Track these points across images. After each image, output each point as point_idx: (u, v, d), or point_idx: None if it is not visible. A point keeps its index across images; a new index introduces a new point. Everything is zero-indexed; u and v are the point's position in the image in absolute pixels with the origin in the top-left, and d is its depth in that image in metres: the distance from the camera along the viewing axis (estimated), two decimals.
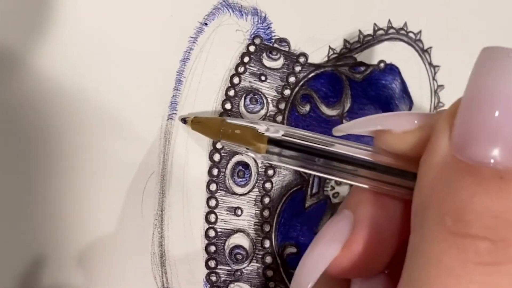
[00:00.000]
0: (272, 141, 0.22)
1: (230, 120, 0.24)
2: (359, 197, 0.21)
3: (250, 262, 0.28)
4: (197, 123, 0.25)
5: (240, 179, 0.28)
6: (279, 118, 0.29)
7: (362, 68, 0.32)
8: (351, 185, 0.23)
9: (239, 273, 0.28)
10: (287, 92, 0.29)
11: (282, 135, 0.22)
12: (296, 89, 0.29)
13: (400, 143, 0.19)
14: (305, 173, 0.29)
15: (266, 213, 0.28)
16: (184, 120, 0.25)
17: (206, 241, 0.27)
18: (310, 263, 0.20)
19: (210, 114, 0.27)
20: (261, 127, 0.23)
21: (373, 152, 0.21)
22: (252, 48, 0.28)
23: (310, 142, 0.22)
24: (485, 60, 0.16)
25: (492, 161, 0.16)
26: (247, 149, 0.23)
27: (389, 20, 0.32)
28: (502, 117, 0.16)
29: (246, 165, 0.28)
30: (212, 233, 0.27)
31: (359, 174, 0.21)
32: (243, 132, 0.23)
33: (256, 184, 0.28)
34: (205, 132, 0.25)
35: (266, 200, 0.28)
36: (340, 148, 0.21)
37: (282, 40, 0.29)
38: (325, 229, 0.21)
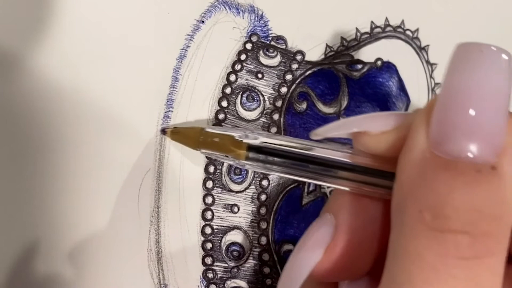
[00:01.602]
0: (252, 148, 0.23)
1: (209, 129, 0.24)
2: (340, 200, 0.21)
3: (247, 259, 0.28)
4: (176, 133, 0.25)
5: (237, 176, 0.28)
6: (276, 116, 0.29)
7: (359, 66, 0.32)
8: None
9: (235, 270, 0.28)
10: (284, 89, 0.29)
11: (261, 141, 0.23)
12: (293, 87, 0.29)
13: (378, 144, 0.19)
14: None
15: (263, 210, 0.29)
16: (163, 131, 0.26)
17: (203, 238, 0.27)
18: (293, 269, 0.21)
19: (207, 113, 0.27)
20: (239, 134, 0.23)
21: (352, 154, 0.21)
22: (249, 46, 0.28)
23: (289, 147, 0.22)
24: (459, 56, 0.17)
25: (469, 155, 0.16)
26: (227, 156, 0.23)
27: (386, 18, 0.32)
28: (477, 111, 0.16)
29: None
30: (208, 230, 0.27)
31: (339, 176, 0.21)
32: (221, 140, 0.24)
33: (253, 182, 0.28)
34: (184, 142, 0.25)
35: (263, 197, 0.28)
36: (319, 152, 0.21)
37: (279, 38, 0.29)
38: (307, 234, 0.21)
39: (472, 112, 0.16)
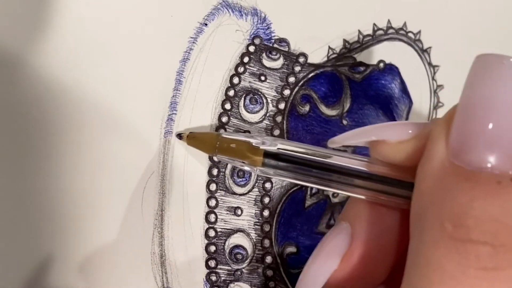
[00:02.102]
0: (268, 154, 0.23)
1: (225, 135, 0.24)
2: (356, 209, 0.21)
3: (250, 262, 0.28)
4: (192, 138, 0.25)
5: (240, 179, 0.28)
6: (279, 118, 0.29)
7: (362, 68, 0.32)
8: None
9: (239, 272, 0.28)
10: (286, 92, 0.29)
11: (278, 148, 0.22)
12: (296, 89, 0.29)
13: (395, 153, 0.19)
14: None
15: (266, 213, 0.29)
16: (179, 136, 0.26)
17: (206, 241, 0.27)
18: (309, 278, 0.21)
19: (210, 116, 0.27)
20: (257, 141, 0.23)
21: (369, 163, 0.21)
22: (251, 48, 0.28)
23: (306, 154, 0.22)
24: (480, 67, 0.17)
25: (489, 166, 0.16)
26: (243, 163, 0.23)
27: (389, 20, 0.32)
28: (499, 123, 0.16)
29: None
30: (212, 233, 0.27)
31: (356, 185, 0.21)
32: (238, 146, 0.24)
33: (256, 184, 0.28)
34: (201, 147, 0.25)
35: (266, 200, 0.28)
36: (336, 160, 0.21)
37: (281, 40, 0.29)
38: (323, 242, 0.21)
39: (493, 123, 0.16)
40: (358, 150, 0.31)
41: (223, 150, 0.24)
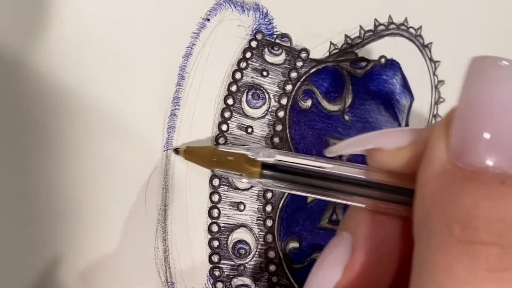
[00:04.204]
0: (266, 166, 0.23)
1: (222, 148, 0.24)
2: (356, 218, 0.21)
3: (253, 256, 0.28)
4: (189, 153, 0.25)
5: None
6: (281, 113, 0.29)
7: (363, 64, 0.32)
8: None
9: (242, 267, 0.28)
10: (289, 87, 0.29)
11: (276, 159, 0.22)
12: (298, 85, 0.29)
13: (393, 160, 0.19)
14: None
15: (268, 208, 0.29)
16: (176, 151, 0.26)
17: (209, 236, 0.27)
18: None
19: (213, 111, 0.27)
20: (253, 153, 0.23)
21: (367, 171, 0.21)
22: (254, 44, 0.28)
23: (304, 164, 0.22)
24: (477, 68, 0.17)
25: (491, 166, 0.16)
26: (241, 175, 0.23)
27: (390, 16, 0.32)
28: (498, 123, 0.16)
29: None
30: (215, 228, 0.27)
31: (355, 193, 0.21)
32: (235, 159, 0.24)
33: None
34: (198, 162, 0.25)
35: (269, 195, 0.29)
36: (335, 169, 0.21)
37: (283, 36, 0.29)
38: (325, 253, 0.21)
39: (492, 124, 0.16)
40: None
41: (221, 163, 0.24)
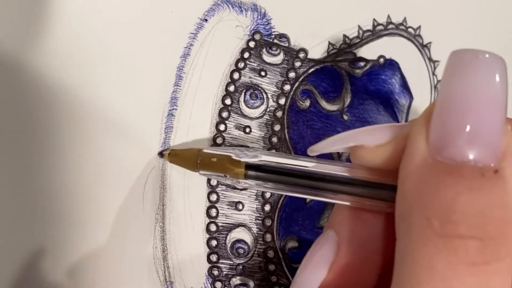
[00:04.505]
0: (250, 166, 0.23)
1: (206, 150, 0.25)
2: (341, 216, 0.21)
3: (252, 256, 0.28)
4: (174, 155, 0.26)
5: None
6: (279, 113, 0.29)
7: (362, 64, 0.32)
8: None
9: (241, 267, 0.28)
10: (287, 87, 0.29)
11: (259, 160, 0.23)
12: (296, 85, 0.30)
13: (375, 157, 0.19)
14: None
15: (267, 207, 0.29)
16: (161, 154, 0.26)
17: (208, 235, 0.27)
18: None
19: (211, 111, 0.27)
20: (237, 153, 0.23)
21: (350, 168, 0.21)
22: (252, 44, 0.28)
23: (288, 164, 0.22)
24: (456, 62, 0.17)
25: (471, 159, 0.16)
26: (225, 176, 0.24)
27: (388, 16, 0.32)
28: (477, 117, 0.16)
29: None
30: (213, 228, 0.27)
31: (339, 191, 0.21)
32: (219, 160, 0.24)
33: None
34: (182, 164, 0.25)
35: (267, 194, 0.29)
36: (318, 167, 0.21)
37: (281, 36, 0.29)
38: (310, 252, 0.21)
39: (471, 118, 0.16)
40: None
41: (205, 165, 0.24)
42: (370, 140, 0.19)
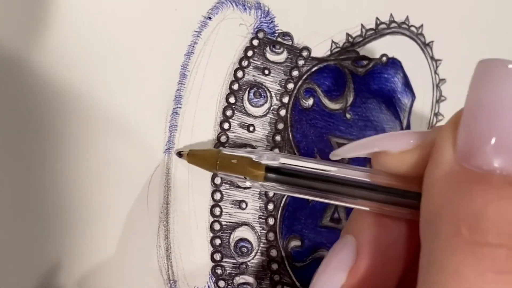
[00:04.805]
0: (270, 169, 0.23)
1: (226, 151, 0.24)
2: (361, 221, 0.21)
3: (255, 255, 0.28)
4: (192, 156, 0.25)
5: None
6: (283, 112, 0.29)
7: (365, 62, 0.32)
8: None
9: (244, 266, 0.28)
10: (290, 86, 0.29)
11: (280, 162, 0.22)
12: (300, 83, 0.30)
13: (398, 164, 0.19)
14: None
15: (270, 206, 0.29)
16: (179, 154, 0.26)
17: (211, 234, 0.27)
18: None
19: (214, 109, 0.27)
20: (258, 155, 0.23)
21: (372, 174, 0.21)
22: (255, 42, 0.28)
23: (308, 167, 0.22)
24: (484, 71, 0.17)
25: (497, 167, 0.16)
26: (245, 178, 0.23)
27: (391, 14, 0.32)
28: (505, 125, 0.16)
29: None
30: (217, 226, 0.27)
31: (359, 196, 0.21)
32: (239, 162, 0.24)
33: None
34: (201, 165, 0.25)
35: (271, 193, 0.29)
36: (339, 172, 0.21)
37: (285, 34, 0.29)
38: (329, 257, 0.21)
39: (499, 127, 0.16)
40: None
41: (224, 166, 0.24)
42: (394, 146, 0.19)
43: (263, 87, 0.28)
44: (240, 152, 0.24)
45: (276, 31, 0.29)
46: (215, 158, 0.24)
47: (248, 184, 0.24)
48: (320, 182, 0.21)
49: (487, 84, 0.17)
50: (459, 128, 0.17)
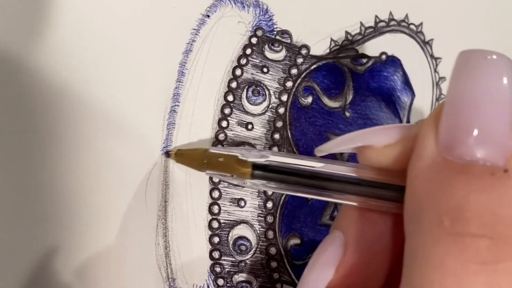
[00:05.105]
0: (257, 166, 0.23)
1: (213, 150, 0.24)
2: (349, 217, 0.21)
3: (254, 253, 0.28)
4: (180, 155, 0.25)
5: None
6: (282, 110, 0.29)
7: (364, 60, 0.32)
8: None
9: (243, 264, 0.28)
10: (289, 84, 0.29)
11: (266, 160, 0.22)
12: (298, 81, 0.29)
13: (383, 158, 0.19)
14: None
15: (269, 204, 0.29)
16: (167, 154, 0.26)
17: (210, 232, 0.27)
18: None
19: (213, 107, 0.27)
20: (244, 153, 0.23)
21: (358, 169, 0.21)
22: (254, 40, 0.28)
23: (295, 164, 0.22)
24: (464, 62, 0.17)
25: (480, 158, 0.16)
26: (232, 176, 0.23)
27: (390, 12, 0.32)
28: (486, 116, 0.16)
29: None
30: (215, 224, 0.27)
31: (346, 191, 0.21)
32: (226, 160, 0.24)
33: None
34: (189, 164, 0.25)
35: (270, 191, 0.29)
36: (325, 168, 0.21)
37: (284, 32, 0.29)
38: (317, 253, 0.21)
39: (480, 117, 0.16)
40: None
41: (212, 165, 0.24)
42: (378, 140, 0.19)
43: (262, 85, 0.28)
44: (227, 151, 0.24)
45: (275, 29, 0.29)
46: (202, 157, 0.24)
47: (235, 182, 0.24)
48: (307, 179, 0.21)
49: (467, 76, 0.17)
50: (441, 121, 0.17)
